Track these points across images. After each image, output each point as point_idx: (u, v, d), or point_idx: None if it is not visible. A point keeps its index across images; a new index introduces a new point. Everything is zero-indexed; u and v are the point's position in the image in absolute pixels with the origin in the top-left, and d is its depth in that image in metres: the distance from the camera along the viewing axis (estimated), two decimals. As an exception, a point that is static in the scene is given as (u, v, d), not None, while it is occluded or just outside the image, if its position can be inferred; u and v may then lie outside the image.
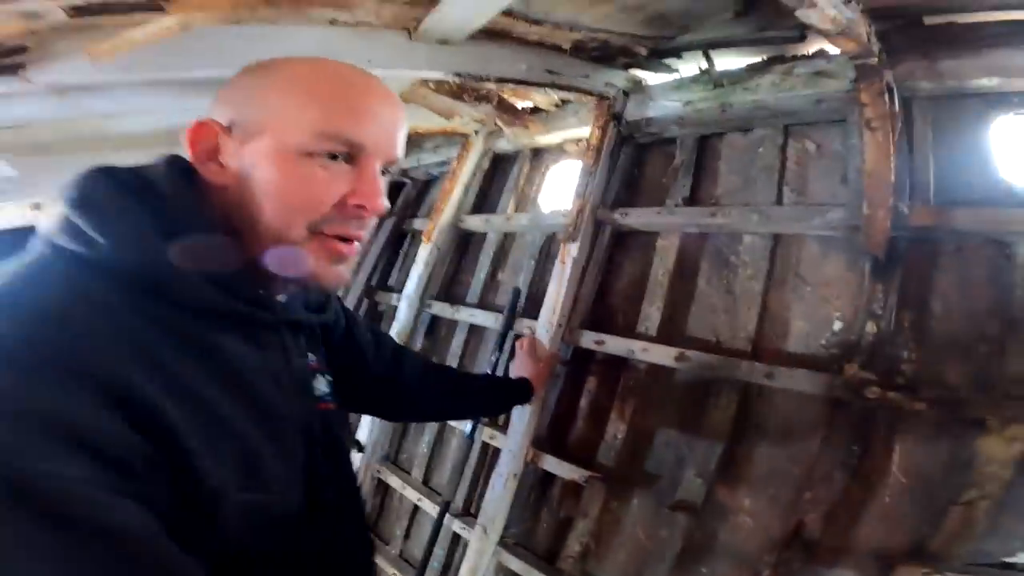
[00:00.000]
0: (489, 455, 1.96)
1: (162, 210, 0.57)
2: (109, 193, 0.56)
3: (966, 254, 1.23)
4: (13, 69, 0.97)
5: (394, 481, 2.27)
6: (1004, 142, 1.26)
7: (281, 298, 0.71)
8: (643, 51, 1.72)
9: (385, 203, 0.65)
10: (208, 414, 0.54)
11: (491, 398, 1.48)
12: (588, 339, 1.76)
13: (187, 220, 0.58)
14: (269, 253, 0.61)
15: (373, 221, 0.67)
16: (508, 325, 1.95)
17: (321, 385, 0.78)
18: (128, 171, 0.61)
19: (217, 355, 0.58)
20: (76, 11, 0.94)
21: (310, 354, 0.77)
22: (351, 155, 0.62)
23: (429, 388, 1.25)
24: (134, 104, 1.69)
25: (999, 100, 1.24)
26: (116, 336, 0.50)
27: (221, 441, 0.55)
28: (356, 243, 0.66)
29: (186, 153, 0.62)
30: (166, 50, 1.04)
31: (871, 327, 1.28)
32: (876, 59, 1.18)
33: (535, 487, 1.82)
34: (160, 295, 0.54)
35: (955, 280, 1.24)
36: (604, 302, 1.87)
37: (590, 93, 1.79)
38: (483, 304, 2.25)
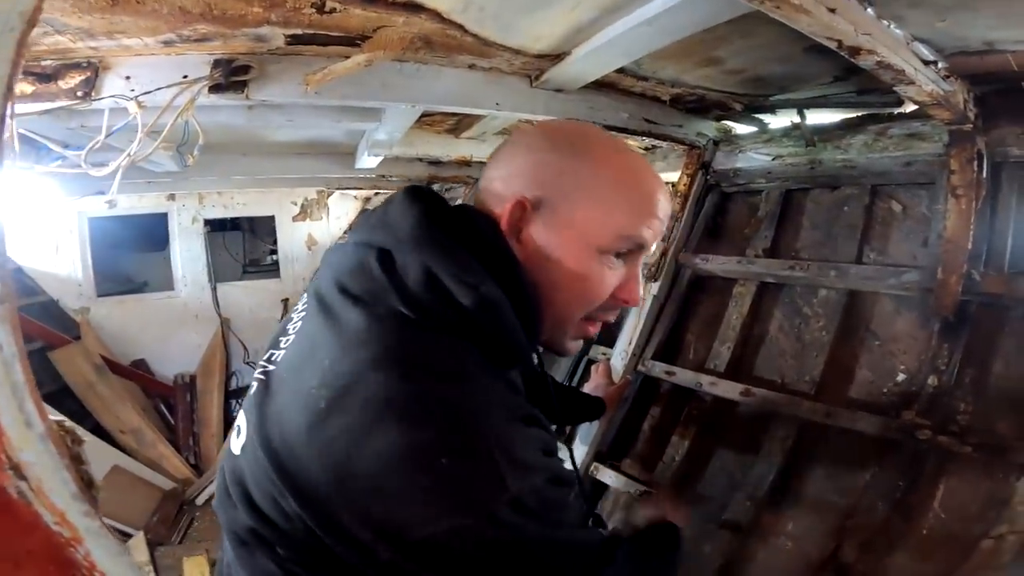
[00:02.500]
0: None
1: (505, 279, 0.63)
2: (464, 258, 0.62)
3: (1032, 320, 1.26)
4: (240, 87, 1.24)
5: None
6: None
7: None
8: (738, 107, 1.84)
9: (641, 295, 0.73)
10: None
11: (573, 407, 1.61)
12: (659, 369, 1.87)
13: (520, 294, 0.65)
14: (547, 335, 0.71)
15: None
16: (583, 350, 2.08)
17: None
18: (459, 226, 0.65)
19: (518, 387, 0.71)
20: (293, 39, 1.19)
21: None
22: (631, 252, 0.69)
23: None
24: (300, 120, 2.01)
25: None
26: (506, 382, 0.64)
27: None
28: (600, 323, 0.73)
29: (498, 220, 0.67)
30: (347, 81, 1.27)
31: (933, 380, 1.33)
32: (971, 125, 1.22)
33: (589, 498, 1.90)
34: (505, 350, 0.64)
35: (1018, 344, 1.26)
36: (677, 337, 1.97)
37: (682, 142, 1.93)
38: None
